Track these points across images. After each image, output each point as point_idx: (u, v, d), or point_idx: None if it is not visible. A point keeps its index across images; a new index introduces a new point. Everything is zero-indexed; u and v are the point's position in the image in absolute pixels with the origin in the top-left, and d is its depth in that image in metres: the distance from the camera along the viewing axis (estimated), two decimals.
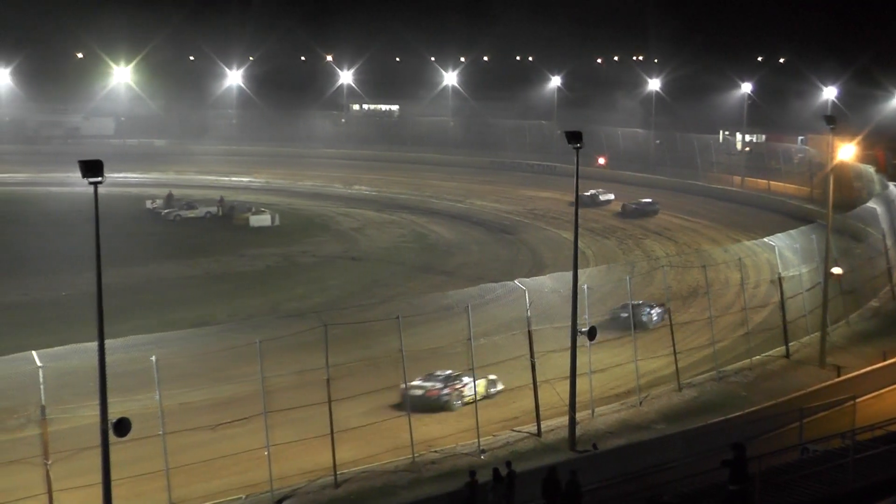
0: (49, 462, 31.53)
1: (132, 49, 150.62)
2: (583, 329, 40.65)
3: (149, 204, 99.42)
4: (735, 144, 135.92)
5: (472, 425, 39.69)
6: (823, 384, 47.02)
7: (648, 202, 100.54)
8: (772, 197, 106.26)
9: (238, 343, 39.86)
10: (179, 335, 45.11)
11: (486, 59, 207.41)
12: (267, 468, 34.43)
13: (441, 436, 40.46)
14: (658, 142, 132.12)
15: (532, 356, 41.48)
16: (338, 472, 36.00)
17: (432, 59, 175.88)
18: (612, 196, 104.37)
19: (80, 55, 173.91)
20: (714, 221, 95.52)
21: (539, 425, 41.18)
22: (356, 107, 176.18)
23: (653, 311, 56.44)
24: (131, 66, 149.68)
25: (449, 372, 44.93)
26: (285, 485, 35.20)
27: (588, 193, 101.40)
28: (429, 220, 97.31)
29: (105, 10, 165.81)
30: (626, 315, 51.65)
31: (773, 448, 34.21)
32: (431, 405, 43.61)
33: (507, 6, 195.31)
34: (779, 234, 63.59)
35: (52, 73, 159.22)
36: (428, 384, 44.41)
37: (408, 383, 40.67)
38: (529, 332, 41.78)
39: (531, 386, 41.33)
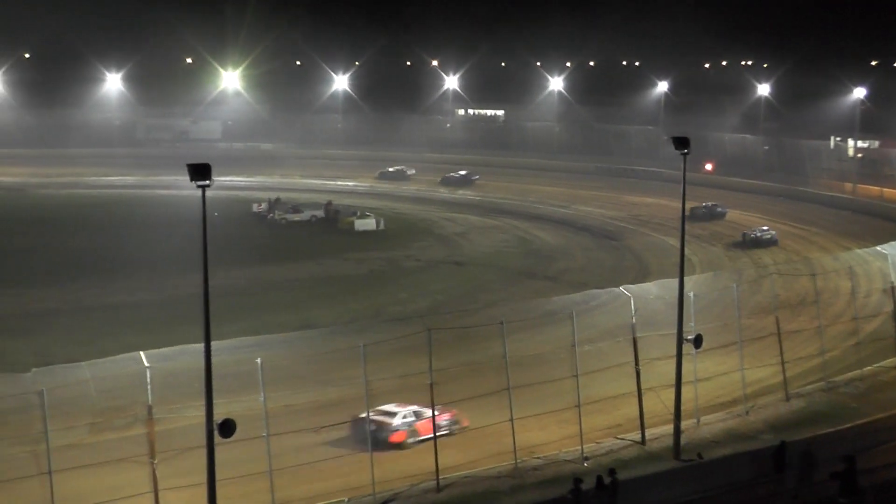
0: (155, 461, 31.97)
1: (239, 54, 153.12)
2: (689, 337, 40.05)
3: (255, 207, 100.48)
4: (846, 150, 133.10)
5: (575, 432, 39.28)
6: None
7: (465, 174, 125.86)
8: (885, 204, 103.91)
9: (342, 346, 40.12)
10: (284, 338, 45.54)
11: (591, 64, 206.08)
12: (370, 472, 34.48)
13: (543, 442, 40.07)
14: (766, 147, 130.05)
15: (637, 363, 41.03)
16: (440, 477, 35.92)
17: (538, 63, 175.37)
18: (413, 171, 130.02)
19: (188, 60, 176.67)
20: (824, 229, 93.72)
21: (643, 433, 40.68)
22: (461, 111, 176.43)
23: None
24: (238, 70, 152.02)
25: None
26: (387, 488, 35.22)
27: (392, 169, 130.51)
28: (532, 225, 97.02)
29: (213, 16, 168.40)
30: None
31: (887, 461, 33.45)
32: None
33: (614, 11, 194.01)
34: (892, 243, 62.11)
35: (161, 78, 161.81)
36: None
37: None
38: (634, 339, 41.34)
39: (636, 393, 40.86)
